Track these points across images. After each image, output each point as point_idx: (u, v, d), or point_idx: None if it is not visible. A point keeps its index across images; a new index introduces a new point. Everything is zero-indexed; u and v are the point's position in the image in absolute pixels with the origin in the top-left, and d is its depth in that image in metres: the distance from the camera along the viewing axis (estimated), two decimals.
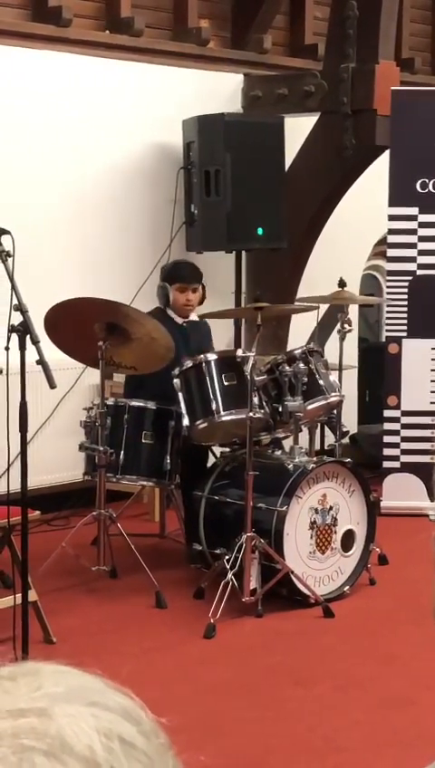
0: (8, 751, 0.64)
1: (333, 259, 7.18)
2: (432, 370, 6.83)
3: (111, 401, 5.41)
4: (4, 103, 6.23)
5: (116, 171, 6.77)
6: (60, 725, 0.66)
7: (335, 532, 5.31)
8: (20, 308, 4.07)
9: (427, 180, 6.80)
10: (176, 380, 5.28)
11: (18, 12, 6.54)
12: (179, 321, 5.79)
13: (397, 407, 6.83)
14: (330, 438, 6.18)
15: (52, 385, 4.08)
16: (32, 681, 0.70)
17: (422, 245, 6.83)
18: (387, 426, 6.87)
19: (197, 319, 5.88)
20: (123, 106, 6.78)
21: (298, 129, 7.03)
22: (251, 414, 5.05)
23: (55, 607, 4.87)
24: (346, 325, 5.81)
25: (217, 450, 5.83)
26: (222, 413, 5.21)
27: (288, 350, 5.94)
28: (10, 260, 4.14)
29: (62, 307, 5.10)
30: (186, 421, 5.26)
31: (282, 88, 7.20)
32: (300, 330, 6.99)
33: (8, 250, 4.16)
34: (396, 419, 6.83)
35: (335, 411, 5.74)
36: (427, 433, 6.71)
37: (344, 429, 5.95)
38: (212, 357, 5.33)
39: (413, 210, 6.82)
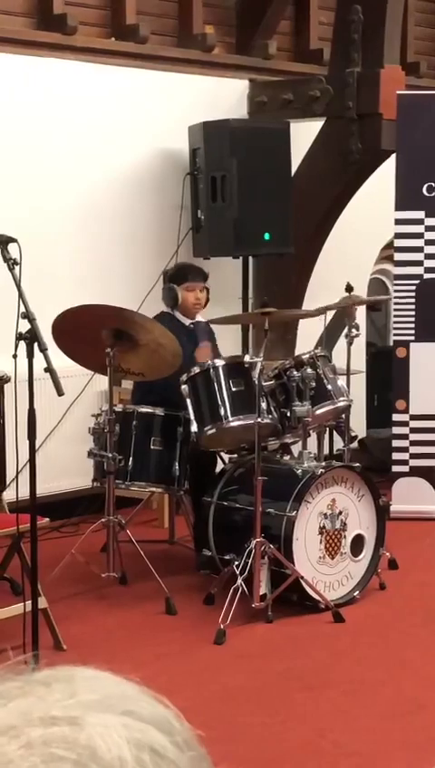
0: (38, 760, 0.64)
1: (341, 263, 7.18)
2: None
3: (119, 408, 5.41)
4: (9, 111, 6.24)
5: (122, 178, 6.77)
6: (91, 735, 0.66)
7: (345, 537, 5.30)
8: (27, 316, 4.08)
9: (433, 184, 6.79)
10: (184, 386, 5.29)
11: (23, 20, 6.55)
12: (187, 322, 5.80)
13: (405, 411, 6.82)
14: (338, 443, 6.17)
15: (60, 392, 4.08)
16: (66, 687, 0.70)
17: (429, 249, 6.82)
18: (396, 430, 6.86)
19: (201, 320, 5.89)
20: (129, 113, 6.79)
21: (304, 134, 7.03)
22: (259, 419, 5.05)
23: (65, 614, 4.87)
24: (354, 329, 5.81)
25: (226, 456, 5.83)
26: (230, 419, 5.21)
27: (296, 354, 5.94)
28: (17, 268, 4.15)
29: (69, 314, 5.11)
30: (194, 427, 5.26)
31: (287, 93, 7.21)
32: (307, 334, 6.98)
33: (15, 258, 4.17)
34: (405, 423, 6.82)
35: (343, 416, 5.74)
36: None
37: (353, 434, 5.95)
38: (220, 362, 5.33)
39: (420, 214, 6.81)
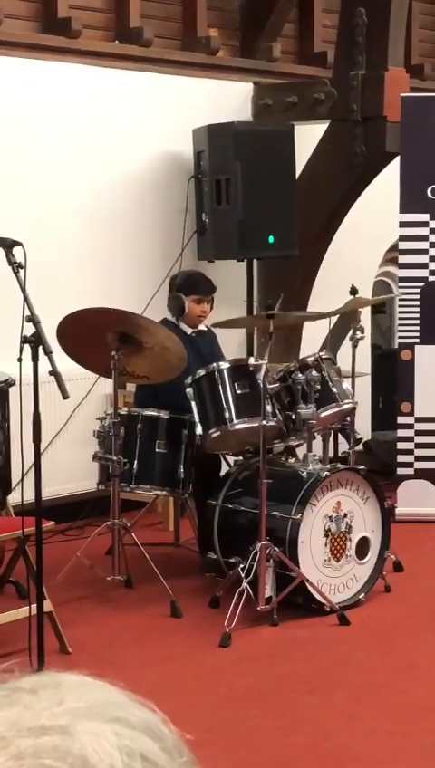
0: None
1: (345, 266, 7.18)
2: None
3: (124, 411, 5.41)
4: (14, 114, 6.25)
5: (127, 181, 6.78)
6: (82, 744, 0.65)
7: (350, 540, 5.30)
8: (32, 319, 4.08)
9: None
10: (189, 389, 5.29)
11: (28, 24, 6.56)
12: (189, 331, 5.79)
13: (410, 413, 6.82)
14: (343, 446, 6.16)
15: (65, 395, 4.09)
16: (53, 695, 0.69)
17: (434, 251, 6.82)
18: (401, 432, 6.85)
19: (205, 328, 5.88)
20: (133, 116, 6.80)
21: (308, 136, 7.03)
22: (264, 422, 5.05)
23: (71, 617, 4.87)
24: (358, 332, 5.80)
25: (231, 458, 5.83)
26: (235, 421, 5.21)
27: (301, 357, 5.94)
28: (22, 271, 4.15)
29: (74, 317, 5.11)
30: (199, 430, 5.26)
31: (291, 96, 7.21)
32: (312, 337, 6.98)
33: (20, 261, 4.17)
34: (410, 426, 6.82)
35: (348, 418, 5.74)
36: None
37: (358, 436, 5.94)
38: (225, 365, 5.33)
39: (424, 216, 6.81)
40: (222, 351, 5.93)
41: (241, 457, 5.66)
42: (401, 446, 6.85)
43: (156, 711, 0.71)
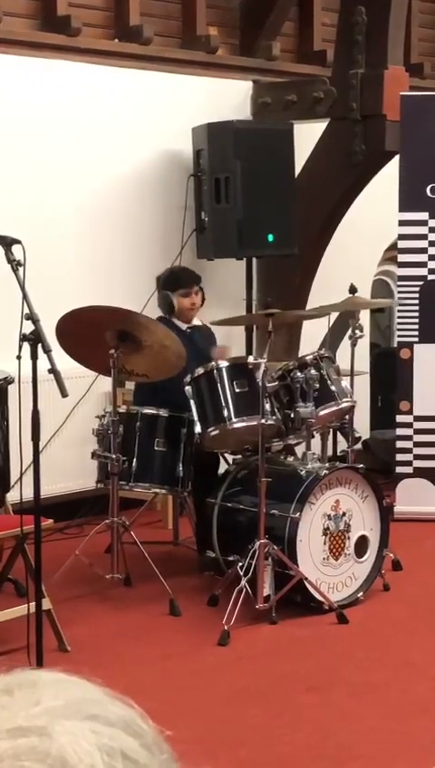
0: None
1: (344, 265, 7.18)
2: None
3: (123, 409, 5.42)
4: (13, 112, 6.24)
5: (126, 179, 6.78)
6: (61, 745, 0.64)
7: (349, 538, 5.30)
8: (31, 317, 4.08)
9: None
10: (187, 388, 5.29)
11: (27, 21, 6.56)
12: (184, 327, 5.79)
13: (409, 412, 6.82)
14: (342, 444, 6.16)
15: (64, 393, 4.09)
16: (29, 695, 0.68)
17: (433, 250, 6.82)
18: (399, 431, 6.85)
19: (200, 323, 5.89)
20: (132, 114, 6.79)
21: (308, 135, 7.03)
22: (263, 420, 5.05)
23: (69, 615, 4.87)
24: (357, 331, 5.80)
25: (230, 457, 5.83)
26: (234, 420, 5.21)
27: (300, 356, 5.94)
28: (21, 269, 4.15)
29: (73, 315, 5.11)
30: (198, 428, 5.27)
31: (291, 94, 7.20)
32: (311, 336, 6.98)
33: (19, 259, 4.17)
34: (409, 425, 6.82)
35: (347, 417, 5.74)
36: None
37: (357, 435, 5.94)
38: (223, 364, 5.33)
39: (423, 215, 6.81)
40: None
41: (240, 456, 5.66)
42: (399, 444, 6.85)
43: (133, 706, 0.70)
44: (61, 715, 0.66)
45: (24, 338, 4.08)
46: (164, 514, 6.48)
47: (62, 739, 0.64)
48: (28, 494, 4.16)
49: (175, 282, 5.79)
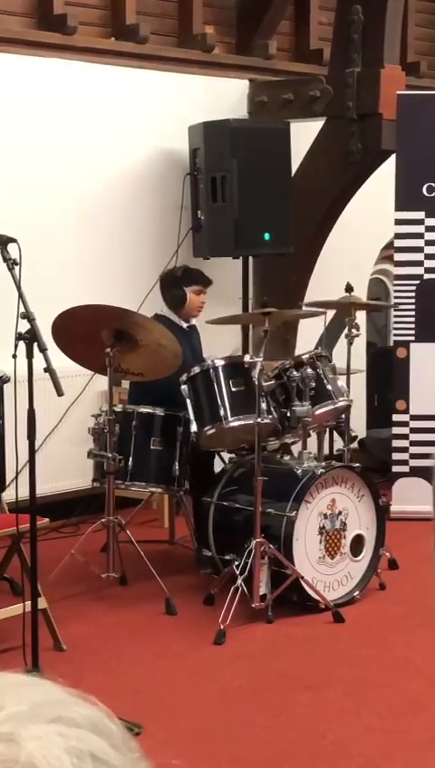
0: None
1: (341, 264, 7.18)
2: None
3: (119, 408, 5.41)
4: (9, 111, 6.24)
5: (122, 178, 6.77)
6: (29, 751, 0.63)
7: (345, 537, 5.30)
8: (27, 316, 4.07)
9: (433, 184, 6.79)
10: (184, 386, 5.28)
11: (24, 20, 6.55)
12: (184, 325, 5.81)
13: (406, 411, 6.82)
14: (338, 443, 6.17)
15: (59, 392, 4.08)
16: None
17: (429, 249, 6.82)
18: (396, 430, 6.85)
19: (195, 323, 5.92)
20: (129, 113, 6.79)
21: (304, 134, 7.03)
22: (259, 419, 5.04)
23: (65, 614, 4.87)
24: (354, 330, 5.80)
25: (226, 456, 5.83)
26: (230, 419, 5.21)
27: (296, 355, 5.94)
28: (17, 268, 4.15)
29: (69, 314, 5.10)
30: (194, 427, 5.26)
31: (287, 93, 7.20)
32: (308, 335, 6.98)
33: (15, 258, 4.16)
34: (405, 424, 6.82)
35: (344, 416, 5.74)
36: None
37: (353, 434, 5.95)
38: (220, 362, 5.33)
39: (420, 214, 6.81)
40: (201, 351, 5.97)
41: (236, 455, 5.65)
42: (395, 443, 6.85)
43: (98, 705, 0.69)
44: (26, 720, 0.65)
45: (19, 336, 4.07)
46: (160, 513, 6.48)
47: (29, 745, 0.63)
48: (24, 492, 4.16)
49: (192, 278, 5.85)
